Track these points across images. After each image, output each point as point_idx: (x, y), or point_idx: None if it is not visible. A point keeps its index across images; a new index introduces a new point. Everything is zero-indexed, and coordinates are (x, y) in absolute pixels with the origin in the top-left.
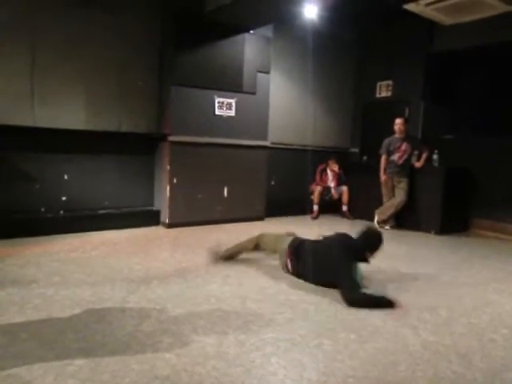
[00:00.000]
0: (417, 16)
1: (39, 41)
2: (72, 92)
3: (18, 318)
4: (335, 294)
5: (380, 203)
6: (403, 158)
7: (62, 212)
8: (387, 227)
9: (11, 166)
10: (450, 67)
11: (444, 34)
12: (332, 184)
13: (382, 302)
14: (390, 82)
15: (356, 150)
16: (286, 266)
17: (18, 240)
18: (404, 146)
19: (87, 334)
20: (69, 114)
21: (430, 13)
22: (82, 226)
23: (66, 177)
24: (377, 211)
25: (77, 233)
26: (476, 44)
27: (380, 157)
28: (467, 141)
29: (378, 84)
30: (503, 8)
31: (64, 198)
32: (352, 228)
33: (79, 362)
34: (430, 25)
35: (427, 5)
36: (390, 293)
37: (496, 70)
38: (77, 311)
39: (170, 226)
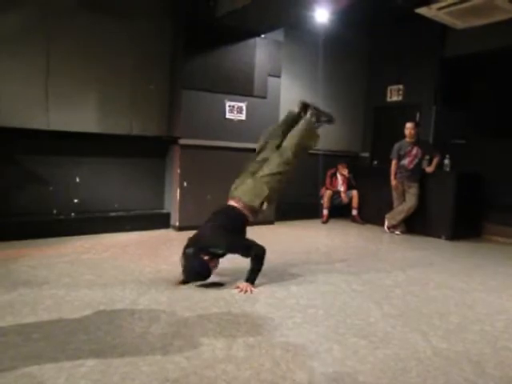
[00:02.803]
0: (429, 20)
1: (53, 46)
2: (85, 96)
3: (30, 319)
4: (345, 298)
5: (390, 208)
6: (414, 163)
7: (73, 214)
8: (397, 232)
9: (24, 169)
10: (462, 71)
11: (456, 38)
12: (342, 188)
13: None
14: (401, 87)
15: (367, 154)
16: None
17: (30, 241)
18: (415, 151)
19: (98, 335)
20: (81, 117)
21: (443, 17)
22: (93, 228)
23: (77, 179)
24: (387, 216)
25: (88, 235)
26: (488, 48)
27: (391, 161)
28: (479, 145)
29: (389, 88)
30: None
31: (76, 201)
32: (361, 232)
33: (90, 363)
34: (441, 29)
35: (439, 9)
36: (399, 298)
37: (508, 74)
38: (88, 313)
39: (180, 228)
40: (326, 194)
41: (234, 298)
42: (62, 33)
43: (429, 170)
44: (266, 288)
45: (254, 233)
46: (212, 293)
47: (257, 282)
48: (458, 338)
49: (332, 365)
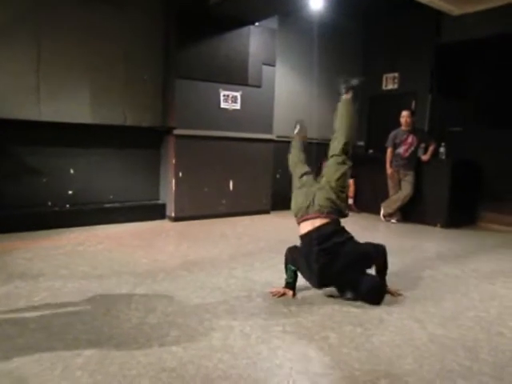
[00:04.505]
0: (424, 6)
1: (44, 36)
2: (77, 86)
3: (27, 311)
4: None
5: (386, 196)
6: (409, 151)
7: (68, 206)
8: (393, 220)
9: (18, 160)
10: (458, 59)
11: (452, 25)
12: None
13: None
14: (396, 75)
15: (362, 143)
16: None
17: (25, 233)
18: (410, 139)
19: (94, 326)
20: (74, 107)
21: (438, 3)
22: (88, 219)
23: (72, 171)
24: (383, 204)
25: (83, 226)
26: (485, 35)
27: (386, 150)
28: (475, 133)
29: (384, 76)
30: None
31: (70, 192)
32: (357, 221)
33: (87, 353)
34: (437, 15)
35: None
36: (393, 286)
37: (504, 62)
38: (84, 304)
39: (176, 219)
40: None
41: (230, 288)
42: (53, 22)
43: (424, 158)
44: (262, 277)
45: (249, 222)
46: (208, 283)
47: (251, 273)
48: (453, 325)
49: (329, 352)
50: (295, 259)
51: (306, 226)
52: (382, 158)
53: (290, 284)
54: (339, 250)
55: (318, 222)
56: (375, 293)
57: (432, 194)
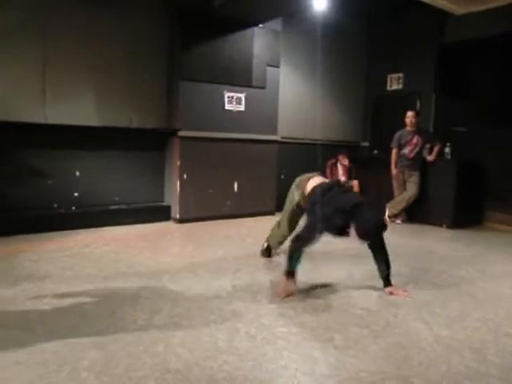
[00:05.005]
0: (427, 6)
1: (50, 39)
2: (83, 89)
3: (33, 313)
4: (346, 288)
5: (391, 197)
6: (414, 152)
7: (74, 208)
8: (398, 221)
9: (24, 163)
10: (462, 58)
11: (455, 25)
12: (342, 178)
13: None
14: (401, 75)
15: (367, 143)
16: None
17: (31, 236)
18: (415, 139)
19: (100, 328)
20: (80, 110)
21: (440, 2)
22: (93, 221)
23: (77, 173)
24: (388, 205)
25: (89, 228)
26: (489, 34)
27: (391, 150)
28: (480, 133)
29: (389, 77)
30: None
31: (76, 194)
32: None
33: (93, 355)
34: (441, 15)
35: None
36: (401, 288)
37: (508, 61)
38: (90, 305)
39: (181, 221)
40: None
41: (235, 289)
42: (58, 25)
43: (429, 158)
44: (267, 279)
45: (254, 223)
46: (213, 284)
47: (256, 274)
48: (460, 326)
49: (334, 354)
50: (300, 238)
51: (310, 185)
52: (386, 159)
53: (292, 267)
54: (340, 197)
55: (320, 179)
56: (376, 224)
57: (438, 195)
